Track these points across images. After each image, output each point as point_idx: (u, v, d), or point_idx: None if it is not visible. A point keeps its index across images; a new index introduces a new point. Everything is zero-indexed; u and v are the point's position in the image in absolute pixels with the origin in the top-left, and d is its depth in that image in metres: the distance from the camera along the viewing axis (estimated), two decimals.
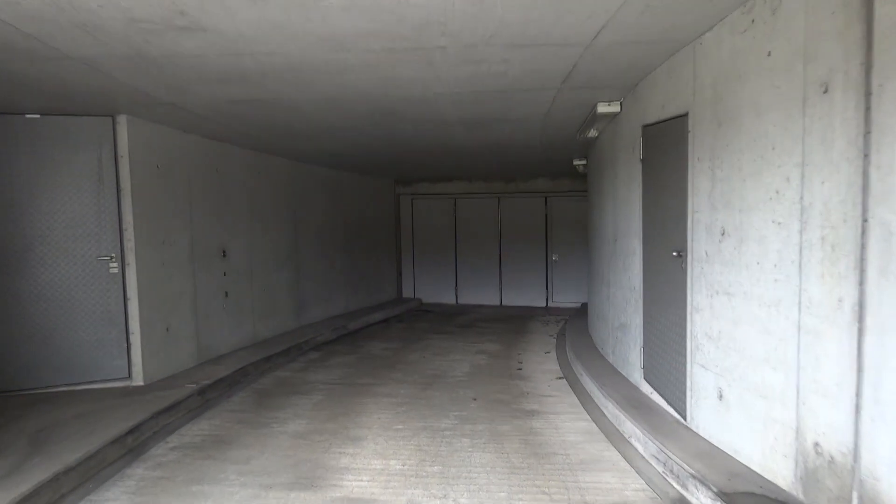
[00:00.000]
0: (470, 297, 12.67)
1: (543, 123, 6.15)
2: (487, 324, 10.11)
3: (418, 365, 6.93)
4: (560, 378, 6.16)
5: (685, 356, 3.88)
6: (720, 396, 3.44)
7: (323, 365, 7.03)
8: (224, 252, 6.93)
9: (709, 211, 3.53)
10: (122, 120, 5.26)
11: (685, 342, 3.88)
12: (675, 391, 4.05)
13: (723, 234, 3.38)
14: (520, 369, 6.64)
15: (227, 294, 6.99)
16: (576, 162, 9.04)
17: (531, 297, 12.27)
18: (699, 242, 3.66)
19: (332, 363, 7.13)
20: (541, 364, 6.90)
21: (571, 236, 11.94)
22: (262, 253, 7.83)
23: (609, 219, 5.85)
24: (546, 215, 12.12)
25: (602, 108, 5.26)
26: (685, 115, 3.82)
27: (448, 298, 12.79)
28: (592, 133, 6.37)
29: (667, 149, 4.17)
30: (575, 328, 8.50)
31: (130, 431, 4.27)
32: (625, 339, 5.30)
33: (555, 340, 8.47)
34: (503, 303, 12.41)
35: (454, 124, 6.11)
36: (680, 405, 3.98)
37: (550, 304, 12.19)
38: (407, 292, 12.90)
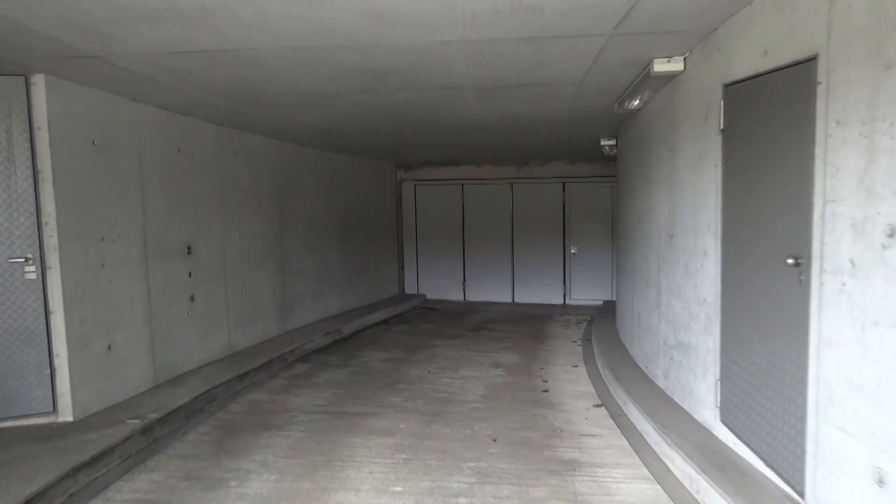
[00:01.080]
0: (479, 294, 11.50)
1: (578, 90, 4.94)
2: (500, 326, 8.95)
3: (422, 384, 5.78)
4: (598, 406, 5.00)
5: (804, 408, 2.71)
6: (880, 481, 2.28)
7: (308, 383, 5.89)
8: (189, 248, 5.77)
9: (860, 200, 2.34)
10: (38, 81, 4.07)
11: (805, 389, 2.71)
12: (785, 453, 2.88)
13: (891, 236, 2.19)
14: (546, 391, 5.49)
15: (193, 298, 5.84)
16: (603, 142, 7.82)
17: (547, 294, 11.10)
18: (838, 246, 2.47)
19: (319, 380, 5.99)
20: (570, 383, 5.74)
21: (592, 227, 10.74)
22: (238, 248, 6.67)
23: (662, 208, 4.65)
24: (563, 203, 10.91)
25: (659, 67, 4.04)
26: (812, 59, 2.62)
27: (455, 295, 11.63)
28: (635, 104, 5.16)
29: (771, 112, 2.97)
30: (603, 333, 7.33)
31: (29, 502, 3.14)
32: (686, 364, 4.13)
33: (581, 349, 7.31)
34: (516, 300, 11.25)
35: (465, 90, 4.91)
36: (793, 475, 2.82)
37: (568, 302, 11.02)
38: (410, 288, 11.75)
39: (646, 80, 4.34)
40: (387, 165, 11.11)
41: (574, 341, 7.81)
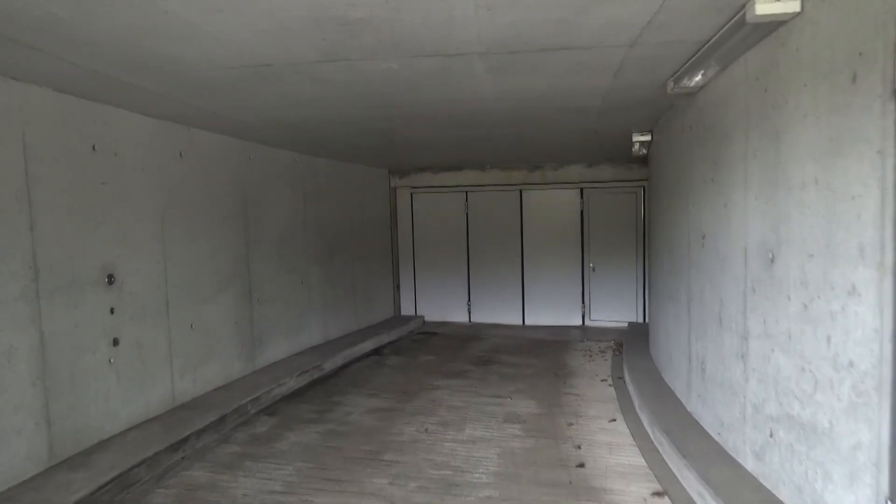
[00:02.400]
0: (485, 315, 10.12)
1: (624, 59, 3.59)
2: (512, 357, 7.56)
3: (417, 451, 4.40)
4: (660, 495, 3.61)
5: None
6: None
7: (268, 450, 4.51)
8: (111, 277, 4.41)
9: None
10: None
11: None
12: None
13: None
14: (581, 465, 4.10)
15: (116, 342, 4.47)
16: (636, 138, 6.48)
17: (562, 315, 9.71)
18: None
19: (283, 445, 4.61)
20: (612, 451, 4.35)
21: (614, 239, 9.37)
22: (186, 273, 5.32)
23: (752, 220, 3.27)
24: (581, 212, 9.54)
25: (763, 9, 2.68)
26: None
27: (458, 316, 10.25)
28: (696, 79, 3.82)
29: None
30: (638, 371, 5.94)
31: None
32: (808, 453, 2.75)
33: (614, 392, 5.92)
34: (527, 321, 9.86)
35: (473, 59, 3.56)
36: None
37: (588, 323, 9.64)
38: (407, 309, 10.37)
39: (732, 34, 2.99)
40: (379, 171, 9.77)
41: (603, 379, 6.42)
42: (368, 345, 8.14)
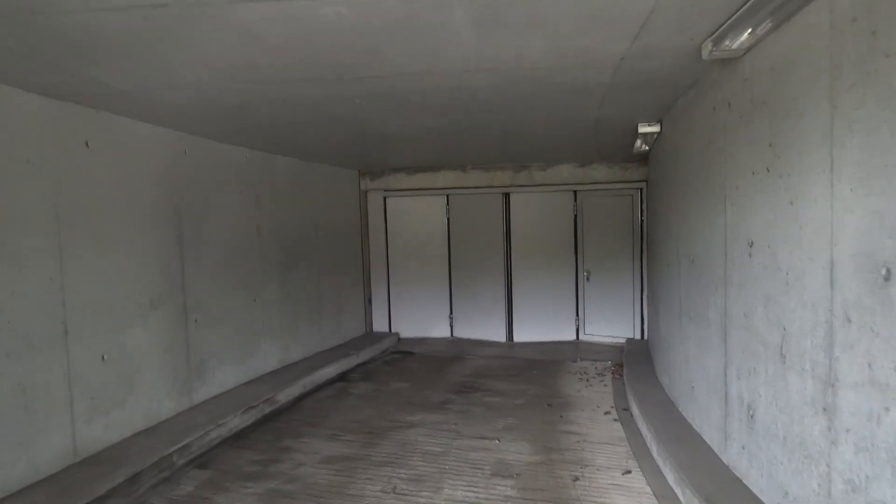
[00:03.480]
0: (468, 330, 9.14)
1: (655, 6, 2.66)
2: (498, 381, 6.58)
3: None
4: None
5: None
6: None
7: None
8: None
9: None
10: None
11: None
12: None
13: None
14: None
15: None
16: (643, 129, 5.58)
17: (553, 330, 8.77)
18: None
19: None
20: None
21: (609, 246, 8.47)
22: (95, 292, 4.24)
23: (849, 225, 2.32)
24: (575, 217, 8.63)
25: None
26: None
27: (438, 331, 9.25)
28: (749, 37, 2.90)
29: None
30: (648, 402, 5.00)
31: None
32: None
33: (622, 429, 4.95)
34: (514, 338, 8.90)
35: (452, 7, 2.60)
36: None
37: (582, 338, 8.72)
38: (380, 325, 9.33)
39: None
40: (348, 172, 8.75)
41: (606, 412, 5.47)
42: (333, 369, 7.09)
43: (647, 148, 6.59)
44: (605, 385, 6.42)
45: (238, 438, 4.95)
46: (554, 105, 4.65)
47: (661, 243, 6.22)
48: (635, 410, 5.20)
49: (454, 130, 5.70)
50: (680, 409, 4.79)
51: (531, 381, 6.63)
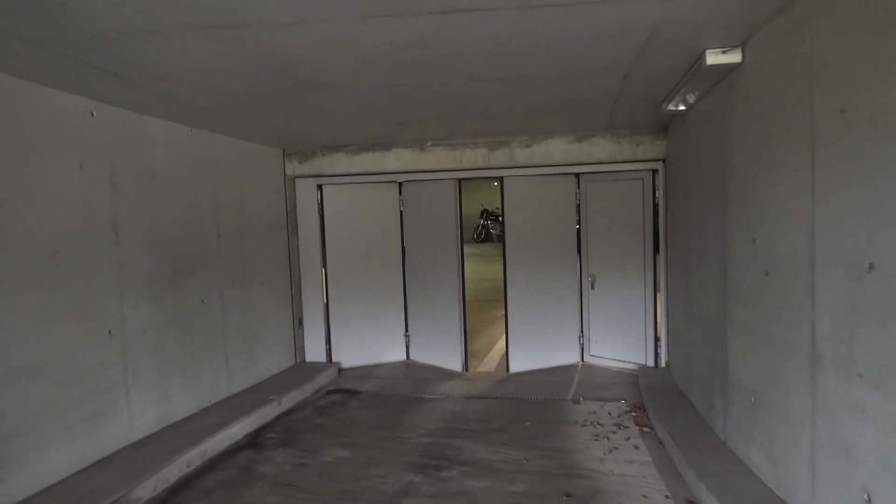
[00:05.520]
0: (429, 355, 7.08)
1: None
2: (479, 444, 4.52)
3: None
4: None
5: None
6: None
7: None
8: None
9: None
10: None
11: None
12: None
13: None
14: None
15: None
16: (714, 59, 3.59)
17: (549, 353, 6.79)
18: None
19: None
20: None
21: (618, 244, 6.56)
22: None
23: None
24: (578, 207, 6.69)
25: None
26: None
27: (390, 355, 7.19)
28: None
29: None
30: (728, 484, 3.05)
31: None
32: None
33: None
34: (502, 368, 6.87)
35: None
36: None
37: (587, 360, 6.79)
38: (314, 353, 7.12)
39: None
40: (268, 150, 6.52)
41: None
42: (239, 428, 4.88)
43: (682, 108, 4.70)
44: (636, 447, 4.46)
45: None
46: (574, 57, 2.62)
47: (688, 242, 4.28)
48: None
49: (416, 95, 3.61)
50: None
51: (526, 442, 4.60)
